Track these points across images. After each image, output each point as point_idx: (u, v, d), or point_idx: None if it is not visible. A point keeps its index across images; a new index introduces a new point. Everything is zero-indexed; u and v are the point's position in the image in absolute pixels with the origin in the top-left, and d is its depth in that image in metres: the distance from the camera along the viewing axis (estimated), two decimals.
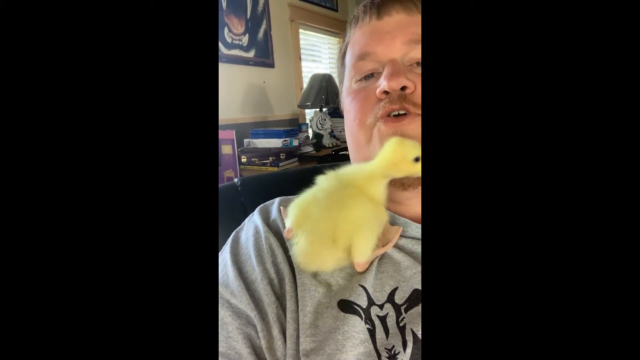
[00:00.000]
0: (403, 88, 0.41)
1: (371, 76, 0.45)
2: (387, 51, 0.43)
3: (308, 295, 0.39)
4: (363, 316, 0.37)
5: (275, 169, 1.79)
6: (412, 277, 0.39)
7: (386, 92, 0.41)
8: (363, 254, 0.38)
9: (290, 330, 0.38)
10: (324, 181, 0.40)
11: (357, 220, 0.37)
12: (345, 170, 0.40)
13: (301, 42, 2.74)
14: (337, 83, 0.55)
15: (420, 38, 0.42)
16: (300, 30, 2.73)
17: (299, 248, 0.38)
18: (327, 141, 2.29)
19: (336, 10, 3.09)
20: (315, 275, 0.41)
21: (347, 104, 0.47)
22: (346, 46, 0.49)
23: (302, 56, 2.75)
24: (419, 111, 0.41)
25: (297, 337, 0.38)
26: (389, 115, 0.42)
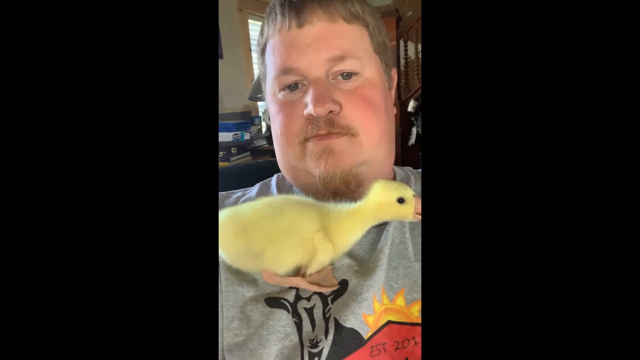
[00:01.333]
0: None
1: (296, 87, 0.43)
2: (311, 67, 0.42)
3: (231, 290, 0.39)
4: (290, 310, 0.37)
5: (226, 163, 1.75)
6: (339, 267, 0.39)
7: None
8: (275, 265, 0.36)
9: (220, 325, 0.38)
10: (300, 198, 0.40)
11: (284, 230, 0.36)
12: (330, 206, 0.39)
13: (252, 32, 2.67)
14: (260, 78, 0.52)
15: (344, 54, 0.42)
16: (250, 21, 2.66)
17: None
18: None
19: None
20: (240, 270, 0.40)
21: (273, 112, 0.46)
22: (265, 42, 0.47)
23: (253, 47, 2.68)
24: (346, 131, 0.41)
25: None
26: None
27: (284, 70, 0.43)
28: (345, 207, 0.38)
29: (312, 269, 0.36)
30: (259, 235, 0.35)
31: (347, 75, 0.42)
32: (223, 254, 0.37)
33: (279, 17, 0.43)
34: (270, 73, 0.45)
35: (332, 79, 0.42)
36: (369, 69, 0.44)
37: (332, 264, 0.39)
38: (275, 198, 0.41)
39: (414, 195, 0.35)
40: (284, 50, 0.43)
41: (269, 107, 0.48)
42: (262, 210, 0.37)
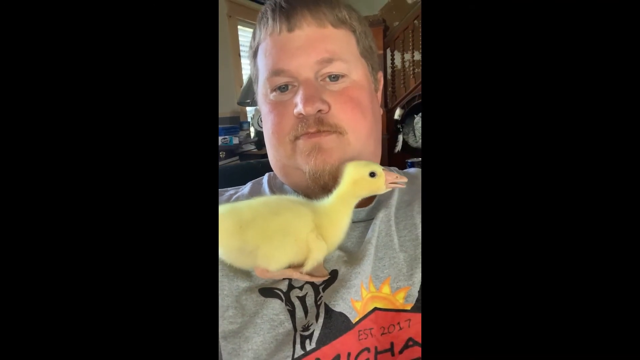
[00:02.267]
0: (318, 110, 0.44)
1: (286, 88, 0.46)
2: (301, 69, 0.44)
3: (227, 279, 0.40)
4: (283, 299, 0.39)
5: None
6: (330, 259, 0.41)
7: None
8: (268, 263, 0.38)
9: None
10: (295, 198, 0.42)
11: (279, 230, 0.37)
12: (319, 202, 0.41)
13: (241, 38, 2.69)
14: (252, 81, 0.54)
15: (332, 56, 0.44)
16: (240, 27, 2.69)
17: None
18: None
19: None
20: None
21: (265, 113, 0.48)
22: (257, 46, 0.49)
23: (242, 53, 2.70)
24: (334, 129, 0.44)
25: None
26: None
27: (275, 72, 0.45)
28: (327, 199, 0.40)
29: (307, 267, 0.38)
30: (254, 233, 0.37)
31: (335, 78, 0.45)
32: (220, 248, 0.38)
33: (270, 21, 0.46)
34: (262, 75, 0.47)
35: (320, 80, 0.45)
36: (356, 72, 0.46)
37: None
38: (271, 198, 0.43)
39: (383, 169, 0.39)
40: (275, 53, 0.45)
41: (261, 107, 0.50)
42: (258, 209, 0.39)
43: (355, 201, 0.40)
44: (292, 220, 0.38)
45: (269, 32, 0.46)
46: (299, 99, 0.43)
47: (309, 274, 0.39)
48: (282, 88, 0.46)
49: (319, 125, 0.43)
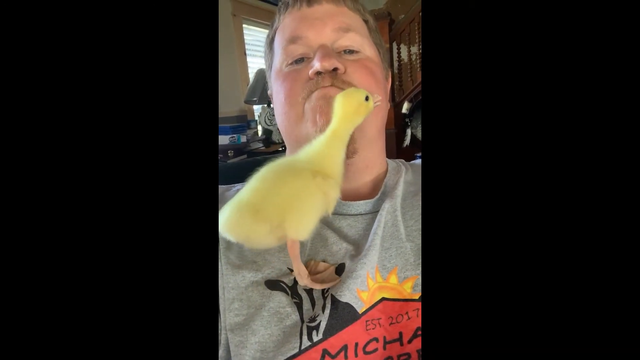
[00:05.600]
0: (334, 69, 0.43)
1: (301, 60, 0.46)
2: (318, 37, 0.45)
3: (231, 272, 0.41)
4: (289, 292, 0.39)
5: None
6: (337, 252, 0.41)
7: (318, 73, 0.43)
8: (298, 231, 0.36)
9: (222, 306, 0.40)
10: (278, 161, 0.39)
11: (293, 194, 0.35)
12: (303, 152, 0.39)
13: (246, 37, 2.70)
14: (265, 70, 0.55)
15: (349, 27, 0.46)
16: (245, 26, 2.69)
17: (222, 216, 0.35)
18: (276, 137, 2.28)
19: None
20: (241, 251, 0.42)
21: (278, 85, 0.48)
22: (275, 31, 0.50)
23: (248, 51, 2.71)
24: (346, 87, 0.43)
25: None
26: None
27: (292, 39, 0.46)
28: (319, 139, 0.39)
29: (331, 210, 0.37)
30: (273, 208, 0.35)
31: (350, 52, 0.47)
32: (246, 242, 0.36)
33: (290, 2, 0.48)
34: (278, 50, 0.48)
35: (336, 53, 0.46)
36: (369, 49, 0.48)
37: (333, 263, 0.41)
38: (261, 172, 0.38)
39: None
40: (294, 24, 0.47)
41: (273, 85, 0.49)
42: (260, 189, 0.36)
43: (351, 131, 0.40)
44: (296, 178, 0.36)
45: (288, 11, 0.48)
46: (315, 58, 0.43)
47: (322, 281, 0.39)
48: (297, 61, 0.46)
49: (333, 80, 0.43)
